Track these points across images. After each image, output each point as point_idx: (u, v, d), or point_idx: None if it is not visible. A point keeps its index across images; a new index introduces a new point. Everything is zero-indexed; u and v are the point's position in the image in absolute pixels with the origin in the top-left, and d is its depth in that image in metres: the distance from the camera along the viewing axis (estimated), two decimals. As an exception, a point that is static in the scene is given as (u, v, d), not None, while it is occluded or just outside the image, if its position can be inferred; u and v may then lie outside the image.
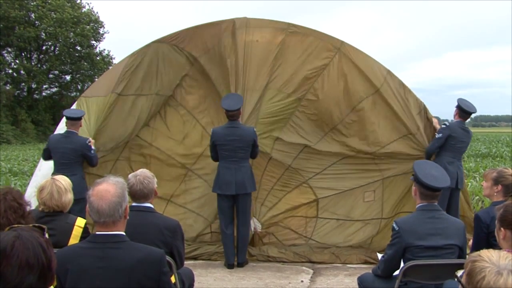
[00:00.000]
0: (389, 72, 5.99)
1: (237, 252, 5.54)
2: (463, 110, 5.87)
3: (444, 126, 5.81)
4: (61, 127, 6.02)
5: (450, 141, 5.72)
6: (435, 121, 5.98)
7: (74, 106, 6.02)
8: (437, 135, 5.76)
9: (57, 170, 5.44)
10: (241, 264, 5.51)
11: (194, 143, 6.16)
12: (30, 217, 2.50)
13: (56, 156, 5.56)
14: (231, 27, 5.93)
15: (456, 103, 5.94)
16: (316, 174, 6.05)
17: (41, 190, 3.30)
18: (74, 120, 5.58)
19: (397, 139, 5.86)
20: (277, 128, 5.98)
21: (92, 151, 5.57)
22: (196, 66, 6.08)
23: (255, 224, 5.99)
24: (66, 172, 5.28)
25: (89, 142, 5.55)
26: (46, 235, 1.68)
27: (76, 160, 5.53)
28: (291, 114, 5.95)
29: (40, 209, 3.31)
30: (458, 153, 5.89)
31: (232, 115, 5.46)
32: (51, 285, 1.65)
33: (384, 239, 5.67)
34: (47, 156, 5.70)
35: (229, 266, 5.47)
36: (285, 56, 5.94)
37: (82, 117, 5.66)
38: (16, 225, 1.73)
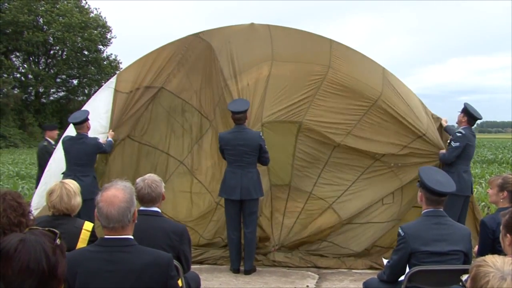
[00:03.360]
0: (384, 70, 5.99)
1: (244, 258, 5.51)
2: (473, 117, 5.73)
3: (459, 134, 5.61)
4: (71, 131, 6.07)
5: (466, 149, 5.61)
6: (444, 120, 5.95)
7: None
8: (453, 144, 5.58)
9: (70, 171, 5.61)
10: (248, 272, 5.43)
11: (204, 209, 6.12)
12: (30, 216, 2.54)
13: (68, 157, 5.69)
14: (219, 72, 5.98)
15: (463, 108, 5.80)
16: (338, 198, 5.91)
17: (50, 193, 3.35)
18: (79, 124, 5.72)
19: (410, 143, 5.78)
20: (287, 155, 5.90)
21: (104, 146, 5.76)
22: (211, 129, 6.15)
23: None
24: (78, 173, 5.48)
25: (98, 140, 5.72)
26: (58, 241, 1.67)
27: (88, 162, 5.68)
28: (296, 139, 5.86)
29: (51, 212, 3.35)
30: (470, 160, 5.85)
31: (238, 118, 5.43)
32: None
33: (389, 238, 5.77)
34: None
35: (234, 270, 5.46)
36: (274, 87, 5.87)
37: (88, 118, 5.76)
38: (34, 227, 1.75)
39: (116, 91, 6.04)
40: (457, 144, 5.58)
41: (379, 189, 5.90)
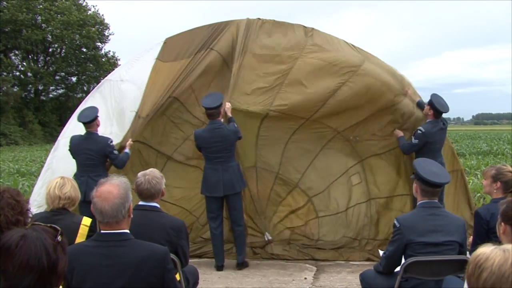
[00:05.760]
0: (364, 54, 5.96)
1: (236, 252, 5.48)
2: (437, 110, 5.64)
3: (419, 132, 5.57)
4: (70, 128, 6.04)
5: (427, 145, 5.58)
6: (410, 92, 5.86)
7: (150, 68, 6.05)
8: (413, 140, 5.61)
9: (81, 172, 5.40)
10: (240, 265, 5.39)
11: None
12: (29, 213, 2.55)
13: (79, 158, 5.45)
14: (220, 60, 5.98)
15: (429, 100, 5.70)
16: (302, 176, 6.04)
17: (62, 186, 3.43)
18: (89, 123, 5.48)
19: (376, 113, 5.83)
20: (252, 135, 5.92)
21: (115, 152, 5.47)
22: None
23: (267, 237, 5.96)
24: (90, 173, 5.28)
25: (111, 142, 5.48)
26: (59, 238, 1.68)
27: (101, 161, 5.45)
28: (261, 122, 5.86)
29: (61, 205, 3.40)
30: (437, 152, 5.68)
31: (211, 114, 5.32)
32: (56, 287, 1.67)
33: (384, 226, 5.87)
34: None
35: (218, 268, 5.39)
36: (243, 76, 5.82)
37: (97, 116, 5.53)
38: (36, 223, 1.75)
39: (138, 116, 5.85)
40: (416, 141, 5.61)
41: (338, 161, 6.03)
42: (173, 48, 6.14)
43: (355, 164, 6.03)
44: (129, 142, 5.63)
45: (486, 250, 1.66)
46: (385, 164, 5.99)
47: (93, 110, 5.58)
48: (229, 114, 5.55)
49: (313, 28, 6.08)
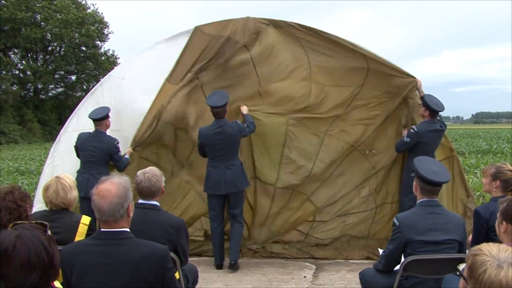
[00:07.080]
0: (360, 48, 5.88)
1: (230, 249, 5.38)
2: (432, 109, 5.55)
3: (412, 131, 5.53)
4: (72, 123, 6.03)
5: (419, 145, 5.52)
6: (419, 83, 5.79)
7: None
8: (405, 139, 5.59)
9: (84, 168, 5.47)
10: (233, 265, 5.27)
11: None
12: (27, 220, 2.52)
13: (84, 154, 5.50)
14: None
15: (423, 101, 5.61)
16: (316, 189, 5.99)
17: (46, 188, 3.35)
18: (99, 121, 5.53)
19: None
20: (276, 153, 5.93)
21: (119, 154, 5.52)
22: None
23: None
24: (92, 170, 5.33)
25: (118, 143, 5.51)
26: (49, 232, 1.70)
27: (104, 160, 5.48)
28: (285, 137, 5.86)
29: (48, 208, 3.37)
30: (429, 153, 5.49)
31: (218, 113, 5.29)
32: (54, 281, 1.69)
33: (383, 228, 5.87)
34: (77, 153, 5.63)
35: (218, 266, 5.38)
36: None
37: (108, 115, 5.58)
38: (19, 222, 1.75)
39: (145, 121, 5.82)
40: (408, 139, 5.57)
41: (353, 175, 6.01)
42: (184, 68, 5.89)
43: (369, 176, 5.99)
44: (129, 149, 5.64)
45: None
46: (394, 171, 5.97)
47: (105, 109, 5.66)
48: (245, 112, 5.60)
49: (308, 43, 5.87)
